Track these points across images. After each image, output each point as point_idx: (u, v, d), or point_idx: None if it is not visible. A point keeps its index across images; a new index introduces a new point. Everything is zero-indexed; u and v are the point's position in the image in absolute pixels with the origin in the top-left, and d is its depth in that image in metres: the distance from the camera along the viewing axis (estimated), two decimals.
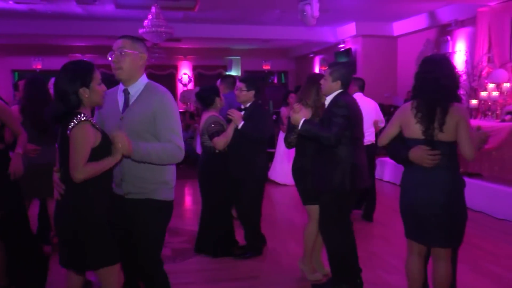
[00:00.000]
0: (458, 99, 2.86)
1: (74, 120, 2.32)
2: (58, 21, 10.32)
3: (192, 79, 15.90)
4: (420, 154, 2.77)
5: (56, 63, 13.66)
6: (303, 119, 3.35)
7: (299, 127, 3.35)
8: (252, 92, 4.32)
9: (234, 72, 15.44)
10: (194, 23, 10.66)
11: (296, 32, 11.13)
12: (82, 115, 2.34)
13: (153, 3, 8.08)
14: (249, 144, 4.19)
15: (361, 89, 5.70)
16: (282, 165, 8.21)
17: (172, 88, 15.70)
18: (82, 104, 2.40)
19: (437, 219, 2.77)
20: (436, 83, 2.76)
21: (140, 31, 8.16)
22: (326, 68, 3.61)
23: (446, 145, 2.76)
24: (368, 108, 5.29)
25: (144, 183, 2.59)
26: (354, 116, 3.40)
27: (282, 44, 14.03)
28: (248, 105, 4.33)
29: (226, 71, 15.36)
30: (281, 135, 8.31)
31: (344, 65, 3.69)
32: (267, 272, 4.15)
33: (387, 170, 8.46)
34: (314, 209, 3.76)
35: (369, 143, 5.21)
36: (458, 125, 2.72)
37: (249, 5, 9.09)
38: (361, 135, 3.54)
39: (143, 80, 2.64)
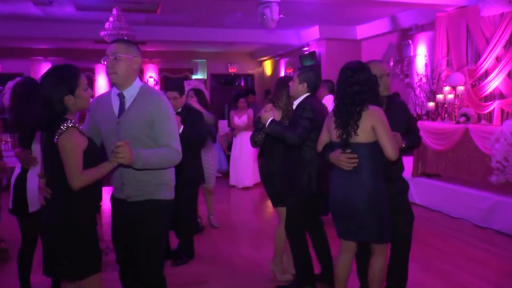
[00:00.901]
0: (375, 103, 2.96)
1: (61, 127, 2.30)
2: (16, 23, 10.03)
3: (158, 82, 15.75)
4: (337, 158, 2.95)
5: (17, 66, 13.49)
6: (271, 119, 3.44)
7: (267, 126, 3.45)
8: (184, 97, 4.46)
9: (200, 76, 15.37)
10: (157, 25, 10.56)
11: (260, 35, 11.15)
12: (69, 121, 2.33)
13: (114, 5, 7.98)
14: (186, 147, 4.16)
15: (331, 91, 5.72)
16: (246, 169, 8.26)
17: None
18: (68, 110, 2.38)
19: (359, 216, 2.93)
20: (349, 90, 2.90)
21: (102, 33, 8.05)
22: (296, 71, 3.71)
23: (362, 147, 2.90)
24: None
25: (144, 186, 2.63)
26: (321, 120, 3.43)
27: (247, 47, 14.04)
28: (180, 109, 4.37)
29: (192, 74, 15.28)
30: (235, 139, 8.38)
31: (312, 68, 3.74)
32: (217, 277, 4.12)
33: None
34: (284, 211, 3.82)
35: None
36: (374, 128, 2.87)
37: (211, 8, 9.06)
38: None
39: (137, 83, 2.65)
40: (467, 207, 5.91)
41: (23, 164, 3.35)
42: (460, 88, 7.51)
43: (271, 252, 4.13)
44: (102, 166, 2.39)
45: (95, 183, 2.44)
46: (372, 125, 2.86)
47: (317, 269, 3.83)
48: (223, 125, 11.06)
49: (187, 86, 5.76)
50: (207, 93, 6.51)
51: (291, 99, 3.73)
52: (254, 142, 3.84)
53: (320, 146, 3.19)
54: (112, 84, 2.64)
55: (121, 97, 2.62)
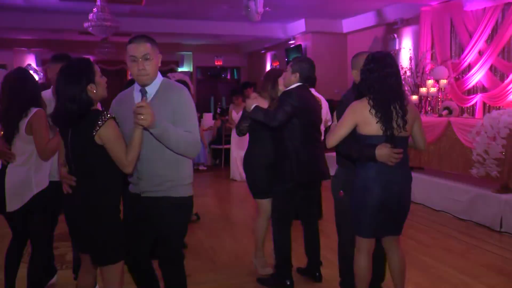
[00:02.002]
0: (406, 95, 2.97)
1: (99, 121, 2.37)
2: None
3: None
4: (387, 153, 2.76)
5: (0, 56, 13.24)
6: (254, 105, 3.50)
7: (250, 112, 3.50)
8: None
9: (186, 68, 15.29)
10: (142, 17, 10.47)
11: (246, 28, 11.11)
12: (105, 113, 2.41)
13: None
14: None
15: (313, 85, 5.67)
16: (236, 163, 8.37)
17: (123, 83, 15.37)
18: (92, 101, 2.47)
19: (401, 210, 2.92)
20: (390, 81, 2.78)
21: (85, 25, 7.94)
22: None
23: (405, 140, 2.88)
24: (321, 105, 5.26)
25: (161, 181, 2.59)
26: (306, 111, 3.46)
27: (234, 40, 13.98)
28: None
29: (178, 66, 15.20)
30: (233, 133, 8.44)
31: (307, 60, 3.76)
32: (199, 270, 4.12)
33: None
34: (264, 203, 3.87)
35: None
36: (414, 121, 2.90)
37: (196, 0, 9.02)
38: (315, 131, 3.64)
39: (159, 78, 2.67)
40: (448, 199, 5.97)
41: (1, 159, 3.28)
42: (444, 82, 7.57)
43: (252, 245, 4.14)
44: (133, 138, 2.41)
45: (115, 170, 2.48)
46: (413, 118, 2.88)
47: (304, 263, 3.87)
48: (207, 118, 11.07)
49: (172, 78, 5.73)
50: (192, 86, 6.49)
51: (276, 89, 3.77)
52: (238, 130, 3.92)
53: (337, 141, 2.89)
54: (140, 84, 2.62)
55: (143, 92, 2.62)
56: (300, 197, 3.72)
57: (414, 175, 6.57)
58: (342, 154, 3.06)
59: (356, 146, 2.87)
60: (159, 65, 2.66)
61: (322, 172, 3.71)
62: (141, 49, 2.54)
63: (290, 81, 3.59)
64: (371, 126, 2.79)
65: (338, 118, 3.03)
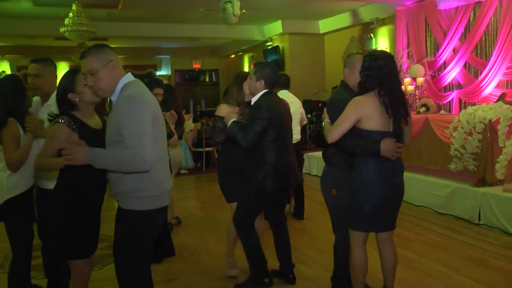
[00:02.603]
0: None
1: (54, 120, 2.60)
2: None
3: None
4: (392, 148, 2.81)
5: None
6: (232, 120, 3.43)
7: (228, 126, 3.44)
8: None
9: (165, 72, 15.23)
10: (119, 21, 10.42)
11: (223, 30, 11.13)
12: (59, 118, 2.58)
13: (73, 1, 7.81)
14: None
15: (286, 86, 5.68)
16: None
17: None
18: (76, 106, 2.64)
19: (399, 203, 3.03)
20: (397, 78, 2.91)
21: (62, 30, 7.88)
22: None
23: (402, 136, 2.96)
24: (294, 106, 5.18)
25: (117, 190, 2.47)
26: (278, 119, 3.41)
27: (211, 42, 14.00)
28: None
29: (156, 70, 15.13)
30: None
31: (269, 64, 3.67)
32: (186, 273, 4.11)
33: (315, 165, 8.65)
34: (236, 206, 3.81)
35: (295, 141, 5.11)
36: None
37: (173, 4, 8.99)
38: (287, 136, 3.57)
39: (120, 84, 2.44)
40: (428, 194, 6.07)
41: None
42: (420, 79, 7.71)
43: (238, 247, 4.13)
44: (54, 160, 2.47)
45: (91, 180, 2.54)
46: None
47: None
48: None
49: None
50: None
51: (241, 93, 3.73)
52: (214, 142, 3.88)
53: (338, 136, 2.89)
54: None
55: (111, 104, 2.54)
56: (271, 202, 3.70)
57: None
58: (345, 149, 3.04)
59: (360, 141, 2.88)
60: (116, 72, 2.43)
61: (296, 178, 3.65)
62: (84, 64, 2.44)
63: (256, 89, 3.50)
64: (376, 121, 2.83)
65: (332, 117, 3.03)
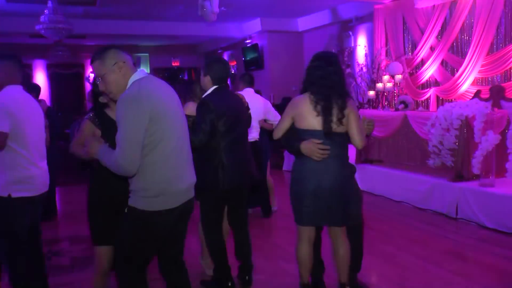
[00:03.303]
0: (348, 93, 3.04)
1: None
2: None
3: None
4: (310, 148, 2.93)
5: None
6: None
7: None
8: None
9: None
10: (96, 19, 10.27)
11: (202, 28, 11.08)
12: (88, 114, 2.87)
13: None
14: None
15: (250, 84, 5.64)
16: None
17: (80, 88, 15.04)
18: (106, 104, 2.83)
19: (335, 202, 2.98)
20: (330, 78, 2.93)
21: (37, 27, 7.73)
22: None
23: (340, 136, 2.98)
24: (256, 105, 5.01)
25: (129, 185, 2.48)
26: (225, 115, 3.34)
27: (190, 40, 13.92)
28: None
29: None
30: None
31: (217, 60, 3.61)
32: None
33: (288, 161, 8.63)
34: None
35: (253, 139, 5.02)
36: (349, 118, 2.95)
37: (151, 1, 8.91)
38: (238, 133, 3.46)
39: (129, 83, 2.41)
40: (407, 190, 6.16)
41: None
42: (399, 77, 7.80)
43: (199, 246, 4.11)
44: (81, 150, 2.71)
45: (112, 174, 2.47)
46: (348, 114, 2.94)
47: None
48: None
49: None
50: None
51: (203, 91, 3.63)
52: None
53: (280, 133, 3.12)
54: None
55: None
56: (228, 202, 3.62)
57: (372, 168, 6.77)
58: (284, 147, 3.25)
59: (290, 140, 3.06)
60: (123, 72, 2.41)
61: (250, 176, 3.59)
62: (94, 69, 2.49)
63: (206, 85, 3.47)
64: (308, 120, 2.97)
65: None
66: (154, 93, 2.37)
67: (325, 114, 2.91)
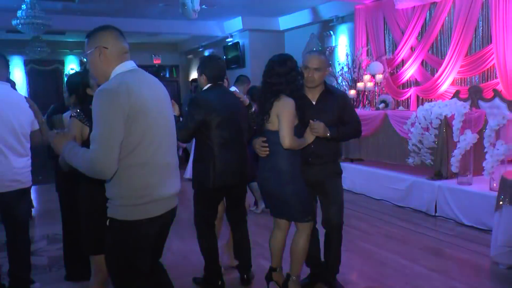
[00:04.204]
0: (296, 94, 3.05)
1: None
2: None
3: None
4: (254, 144, 3.15)
5: None
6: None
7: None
8: None
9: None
10: (76, 15, 10.10)
11: (183, 26, 11.00)
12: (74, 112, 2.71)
13: None
14: None
15: (237, 82, 5.70)
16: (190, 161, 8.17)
17: (59, 84, 14.80)
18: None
19: (269, 197, 3.19)
20: (269, 80, 3.06)
21: (14, 22, 7.58)
22: None
23: (273, 134, 3.05)
24: None
25: (107, 194, 2.23)
26: (217, 114, 3.34)
27: (171, 38, 13.82)
28: None
29: None
30: None
31: (211, 58, 3.60)
32: None
33: None
34: None
35: None
36: (277, 117, 3.01)
37: None
38: (231, 131, 3.44)
39: (112, 75, 2.20)
40: (387, 188, 6.22)
41: None
42: (379, 76, 7.87)
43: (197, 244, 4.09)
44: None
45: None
46: (277, 114, 3.00)
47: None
48: None
49: None
50: None
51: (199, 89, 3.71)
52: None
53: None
54: None
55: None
56: (221, 200, 3.65)
57: (353, 166, 6.81)
58: None
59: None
60: (102, 59, 2.21)
61: (243, 174, 3.55)
62: None
63: (202, 83, 3.51)
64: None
65: None
66: (136, 88, 2.12)
67: (258, 114, 3.15)
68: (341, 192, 3.44)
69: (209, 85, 3.45)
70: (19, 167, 3.26)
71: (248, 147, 3.54)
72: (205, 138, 3.36)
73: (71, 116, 2.71)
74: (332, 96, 3.33)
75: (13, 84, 5.43)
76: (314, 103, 3.28)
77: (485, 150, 5.14)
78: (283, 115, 2.99)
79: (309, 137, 3.16)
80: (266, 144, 3.07)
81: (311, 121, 3.14)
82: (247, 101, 3.76)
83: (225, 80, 3.84)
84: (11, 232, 3.44)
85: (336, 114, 3.29)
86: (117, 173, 2.09)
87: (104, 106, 2.05)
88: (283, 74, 3.02)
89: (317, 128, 3.14)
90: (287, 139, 2.97)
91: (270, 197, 3.20)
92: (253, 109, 3.71)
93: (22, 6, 7.47)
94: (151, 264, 2.42)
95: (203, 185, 3.42)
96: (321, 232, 3.52)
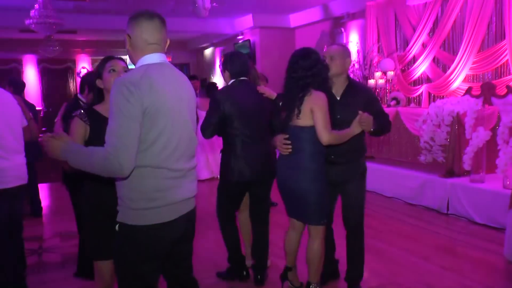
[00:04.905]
0: (323, 88, 2.94)
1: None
2: None
3: None
4: (275, 141, 3.07)
5: None
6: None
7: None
8: None
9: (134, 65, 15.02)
10: (87, 14, 10.19)
11: (193, 23, 11.03)
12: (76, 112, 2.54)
13: None
14: None
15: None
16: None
17: (70, 83, 14.94)
18: (103, 98, 2.59)
19: (294, 198, 3.04)
20: (294, 75, 2.95)
21: (27, 22, 7.66)
22: None
23: (302, 130, 2.94)
24: None
25: (119, 197, 2.08)
26: (236, 110, 3.35)
27: (181, 36, 13.86)
28: None
29: (126, 64, 14.89)
30: None
31: (235, 54, 3.59)
32: None
33: None
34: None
35: None
36: (312, 112, 2.88)
37: None
38: (252, 128, 3.43)
39: (138, 65, 2.09)
40: (399, 186, 6.18)
41: None
42: (391, 73, 7.82)
43: (211, 241, 4.12)
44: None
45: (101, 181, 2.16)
46: (311, 108, 2.87)
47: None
48: None
49: None
50: None
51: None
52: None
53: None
54: None
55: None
56: (242, 195, 3.66)
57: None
58: None
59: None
60: (131, 49, 2.12)
61: (265, 171, 3.50)
62: None
63: (226, 79, 3.54)
64: (277, 115, 3.09)
65: None
66: (159, 84, 1.98)
67: (283, 109, 3.01)
68: (364, 194, 3.35)
69: (232, 80, 3.48)
70: (19, 163, 3.32)
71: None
72: (228, 131, 3.41)
73: (73, 116, 2.55)
74: (356, 91, 3.21)
75: (22, 86, 5.48)
76: (338, 98, 3.17)
77: (498, 148, 5.08)
78: (318, 109, 2.87)
79: (356, 129, 3.00)
80: (289, 142, 2.98)
81: (360, 112, 2.98)
82: (274, 94, 3.58)
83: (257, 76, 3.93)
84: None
85: (362, 110, 3.08)
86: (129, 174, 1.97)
87: (123, 97, 1.90)
88: (308, 68, 2.92)
89: (367, 121, 2.97)
90: (325, 133, 2.85)
91: (289, 196, 3.08)
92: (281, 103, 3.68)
93: (35, 5, 7.54)
94: (182, 280, 2.30)
95: (225, 177, 3.51)
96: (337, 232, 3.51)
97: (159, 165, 2.00)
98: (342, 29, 9.89)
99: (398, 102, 7.07)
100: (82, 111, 2.57)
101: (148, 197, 2.00)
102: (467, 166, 5.32)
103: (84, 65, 15.10)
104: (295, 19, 11.25)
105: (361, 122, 2.98)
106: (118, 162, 1.87)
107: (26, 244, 4.67)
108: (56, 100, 14.23)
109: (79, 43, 14.27)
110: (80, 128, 2.48)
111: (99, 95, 2.61)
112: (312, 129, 2.91)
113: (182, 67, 15.97)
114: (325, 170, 3.02)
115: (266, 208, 3.76)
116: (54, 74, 14.71)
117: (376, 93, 8.10)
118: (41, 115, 15.11)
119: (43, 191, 7.38)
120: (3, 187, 3.15)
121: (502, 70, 6.62)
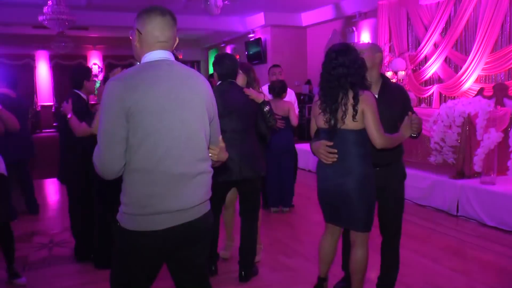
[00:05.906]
0: (364, 86, 2.72)
1: None
2: None
3: (103, 69, 15.32)
4: (316, 149, 2.81)
5: None
6: None
7: None
8: None
9: (138, 62, 15.08)
10: (99, 10, 10.25)
11: (205, 21, 11.06)
12: None
13: None
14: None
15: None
16: None
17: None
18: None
19: (343, 205, 2.81)
20: (334, 72, 2.68)
21: (40, 18, 7.73)
22: None
23: (351, 133, 2.71)
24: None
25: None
26: (221, 111, 3.17)
27: (193, 33, 13.89)
28: None
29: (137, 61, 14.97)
30: None
31: (222, 57, 3.55)
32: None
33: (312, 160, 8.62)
34: (229, 197, 3.95)
35: None
36: (363, 113, 2.66)
37: None
38: (236, 127, 3.43)
39: (142, 61, 2.01)
40: (408, 187, 6.10)
41: None
42: (402, 73, 7.78)
43: None
44: None
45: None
46: (362, 109, 2.65)
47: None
48: None
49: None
50: None
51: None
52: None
53: (312, 133, 3.01)
54: None
55: None
56: (223, 191, 3.65)
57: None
58: None
59: (313, 138, 2.94)
60: (137, 45, 2.02)
61: (253, 169, 3.51)
62: None
63: (216, 81, 3.56)
64: (318, 119, 2.81)
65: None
66: (147, 83, 1.87)
67: (327, 111, 2.71)
68: (403, 200, 3.20)
69: (219, 82, 3.53)
70: None
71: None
72: (224, 132, 3.36)
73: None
74: (391, 88, 3.03)
75: (14, 82, 5.33)
76: (376, 96, 2.88)
77: (510, 149, 5.04)
78: (369, 110, 2.63)
79: (407, 132, 2.80)
80: (336, 151, 2.73)
81: (410, 113, 2.81)
82: (261, 97, 3.64)
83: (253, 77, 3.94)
84: None
85: (401, 108, 2.93)
86: (123, 177, 1.91)
87: (107, 95, 1.85)
88: (350, 64, 2.66)
89: (418, 124, 2.79)
90: (380, 137, 2.63)
91: (338, 203, 2.83)
92: (267, 107, 3.65)
93: (48, 2, 7.61)
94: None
95: (219, 176, 3.45)
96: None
97: (153, 168, 1.87)
98: (354, 28, 9.85)
99: None
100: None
101: (140, 203, 1.89)
102: (477, 167, 5.29)
103: (95, 62, 15.20)
104: (307, 18, 11.23)
105: (414, 124, 2.80)
106: (102, 164, 1.85)
107: (37, 239, 4.76)
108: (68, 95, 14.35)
109: (91, 39, 14.38)
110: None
111: None
112: (360, 131, 2.71)
113: (193, 64, 16.02)
114: (374, 174, 2.82)
115: (253, 207, 3.72)
116: (66, 70, 14.82)
117: None
118: (53, 110, 15.24)
119: (49, 187, 7.45)
120: None
121: None
